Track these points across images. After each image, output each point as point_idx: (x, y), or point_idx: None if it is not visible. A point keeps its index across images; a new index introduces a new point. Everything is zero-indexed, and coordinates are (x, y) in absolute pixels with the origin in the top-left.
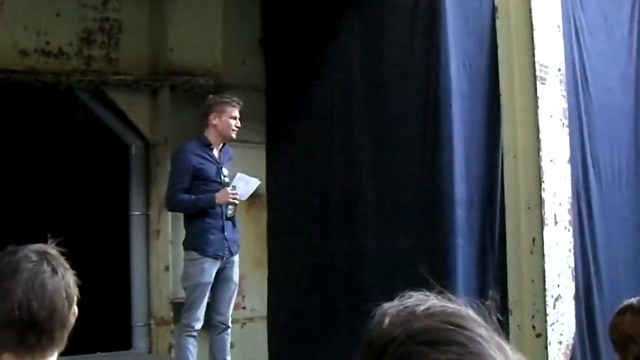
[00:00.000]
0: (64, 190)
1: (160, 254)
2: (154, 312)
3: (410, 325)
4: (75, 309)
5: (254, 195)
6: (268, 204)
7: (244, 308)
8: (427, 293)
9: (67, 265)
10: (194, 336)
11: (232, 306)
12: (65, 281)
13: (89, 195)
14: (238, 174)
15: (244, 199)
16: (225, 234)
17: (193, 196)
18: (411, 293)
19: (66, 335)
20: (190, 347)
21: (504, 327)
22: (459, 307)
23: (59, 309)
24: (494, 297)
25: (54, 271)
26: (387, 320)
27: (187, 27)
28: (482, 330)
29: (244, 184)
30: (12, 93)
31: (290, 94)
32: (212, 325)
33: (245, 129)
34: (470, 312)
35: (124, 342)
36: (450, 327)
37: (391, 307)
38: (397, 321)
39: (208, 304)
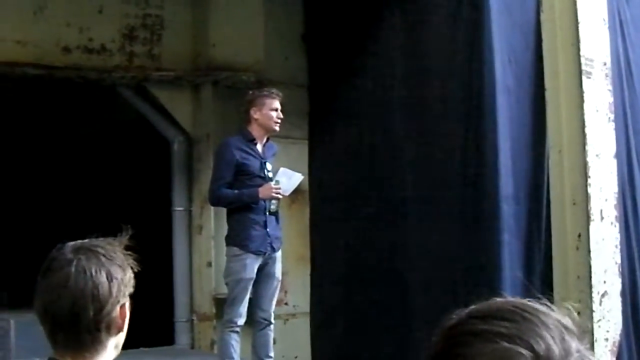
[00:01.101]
0: (106, 187)
1: (202, 249)
2: (196, 307)
3: (479, 307)
4: (112, 310)
5: (297, 191)
6: (310, 200)
7: (286, 304)
8: None
9: (108, 265)
10: (237, 332)
11: (274, 302)
12: (94, 282)
13: (131, 191)
14: (281, 169)
15: (287, 194)
16: (268, 229)
17: (236, 191)
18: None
19: (106, 339)
20: (234, 342)
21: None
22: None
23: (82, 312)
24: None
25: (83, 272)
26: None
27: (229, 22)
28: (549, 319)
29: (287, 179)
30: (55, 90)
31: (332, 90)
32: (255, 322)
33: (288, 125)
34: (549, 306)
35: (167, 337)
36: (513, 307)
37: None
38: (470, 308)
39: (250, 300)
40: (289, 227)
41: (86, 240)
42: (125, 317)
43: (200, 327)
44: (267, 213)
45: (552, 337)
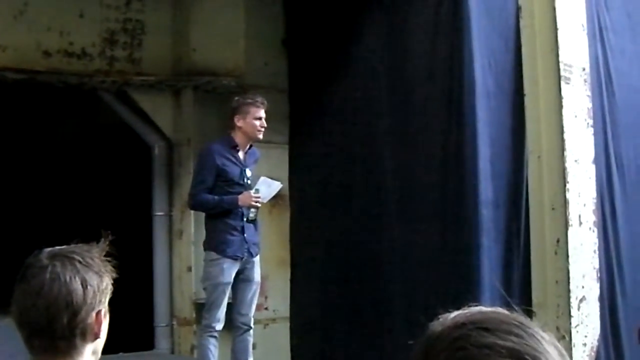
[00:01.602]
0: (87, 191)
1: (182, 254)
2: (176, 312)
3: (473, 316)
4: (87, 317)
5: (277, 196)
6: (291, 204)
7: (266, 309)
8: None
9: (83, 271)
10: (215, 337)
11: (253, 307)
12: (67, 288)
13: (111, 195)
14: (262, 178)
15: (265, 201)
16: (245, 235)
17: (216, 197)
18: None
19: (82, 345)
20: (212, 347)
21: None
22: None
23: (56, 318)
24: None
25: (57, 278)
26: (450, 316)
27: (210, 27)
28: (544, 334)
29: (266, 187)
30: (35, 94)
31: (313, 94)
32: (234, 327)
33: (268, 129)
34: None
35: (147, 342)
36: (513, 321)
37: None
38: (460, 315)
39: (230, 305)
40: (269, 231)
41: (63, 247)
42: (101, 323)
43: (180, 332)
44: (246, 220)
45: (555, 356)
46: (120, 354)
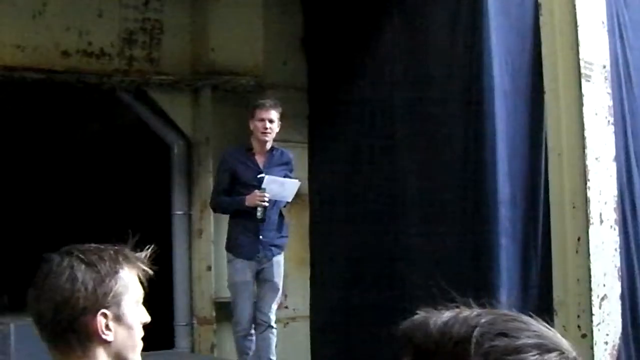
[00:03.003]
0: (106, 191)
1: (202, 253)
2: (196, 311)
3: (474, 322)
4: (79, 317)
5: (297, 195)
6: (310, 203)
7: (286, 307)
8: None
9: (84, 271)
10: (244, 334)
11: (273, 306)
12: (55, 283)
13: (131, 195)
14: (267, 177)
15: (288, 199)
16: (261, 237)
17: (228, 198)
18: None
19: (80, 345)
20: (247, 343)
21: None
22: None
23: (44, 314)
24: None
25: (54, 275)
26: (435, 326)
27: (229, 27)
28: (533, 320)
29: (277, 186)
30: (54, 94)
31: (332, 93)
32: (256, 324)
33: (287, 128)
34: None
35: (167, 341)
36: (511, 317)
37: (423, 317)
38: (452, 322)
39: (253, 303)
40: (289, 230)
41: (77, 245)
42: (101, 326)
43: (200, 331)
44: (257, 220)
45: (559, 338)
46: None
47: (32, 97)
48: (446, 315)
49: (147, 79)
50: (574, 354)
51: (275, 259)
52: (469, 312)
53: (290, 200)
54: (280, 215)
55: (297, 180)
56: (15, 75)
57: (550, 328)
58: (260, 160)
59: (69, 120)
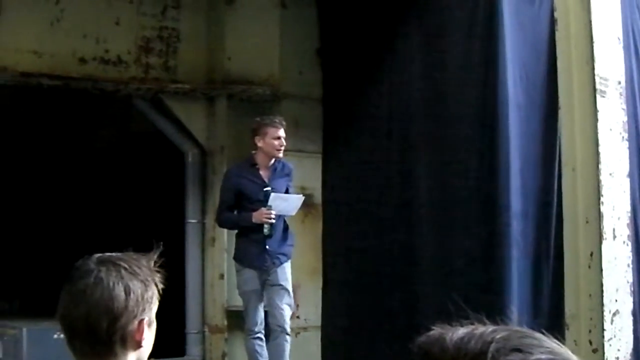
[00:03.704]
0: (120, 198)
1: (215, 262)
2: (208, 319)
3: (487, 338)
4: (128, 324)
5: (310, 205)
6: (323, 213)
7: (298, 317)
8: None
9: (128, 279)
10: (256, 338)
11: (285, 311)
12: (109, 294)
13: (145, 202)
14: (272, 194)
15: (292, 214)
16: (267, 247)
17: (235, 215)
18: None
19: (122, 352)
20: (257, 347)
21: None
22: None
23: (96, 322)
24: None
25: (100, 283)
26: (452, 342)
27: (245, 36)
28: (543, 337)
29: (282, 202)
30: (70, 100)
31: (347, 104)
32: (270, 329)
33: (302, 138)
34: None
35: (178, 349)
36: (524, 334)
37: (439, 333)
38: (467, 338)
39: (265, 311)
40: (301, 240)
41: (112, 253)
42: (143, 332)
43: (211, 339)
44: (264, 235)
45: (568, 354)
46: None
47: (48, 104)
48: (462, 331)
49: (163, 87)
50: None
51: (283, 265)
52: (485, 329)
53: (293, 214)
54: (285, 225)
55: (301, 196)
56: (32, 81)
57: (562, 345)
58: (264, 174)
59: (84, 127)
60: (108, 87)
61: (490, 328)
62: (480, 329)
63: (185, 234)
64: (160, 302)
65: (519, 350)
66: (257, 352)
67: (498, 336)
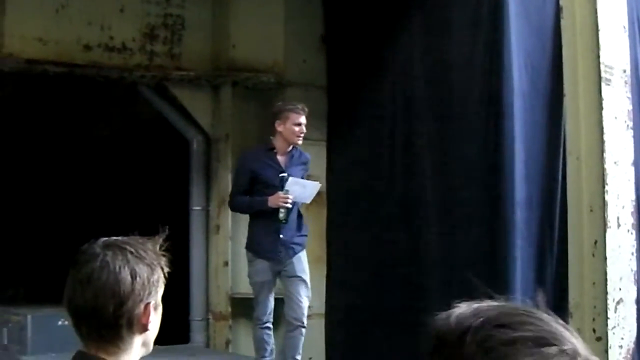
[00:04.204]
0: (125, 185)
1: (219, 249)
2: (212, 306)
3: (482, 314)
4: (134, 308)
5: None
6: (328, 202)
7: None
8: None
9: (134, 262)
10: (265, 328)
11: (303, 303)
12: (115, 277)
13: (150, 190)
14: (290, 178)
15: (307, 201)
16: (282, 236)
17: (249, 198)
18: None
19: (128, 336)
20: (265, 337)
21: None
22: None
23: (102, 306)
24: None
25: (106, 267)
26: (454, 317)
27: (250, 23)
28: (547, 315)
29: (299, 187)
30: (75, 87)
31: (352, 92)
32: (286, 322)
33: (307, 126)
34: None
35: (182, 336)
36: (521, 311)
37: (454, 309)
38: (466, 314)
39: (282, 302)
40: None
41: (118, 237)
42: (149, 316)
43: (215, 326)
44: (279, 221)
45: (567, 333)
46: (156, 346)
47: (53, 91)
48: (466, 307)
49: (167, 74)
50: (584, 353)
51: (299, 255)
52: (486, 305)
53: (308, 202)
54: (299, 214)
55: (318, 183)
56: (37, 68)
57: (567, 327)
58: (281, 160)
59: (89, 115)
60: (113, 74)
61: (492, 305)
62: (482, 305)
63: (190, 221)
64: (164, 289)
65: (505, 326)
66: (265, 342)
67: (492, 312)
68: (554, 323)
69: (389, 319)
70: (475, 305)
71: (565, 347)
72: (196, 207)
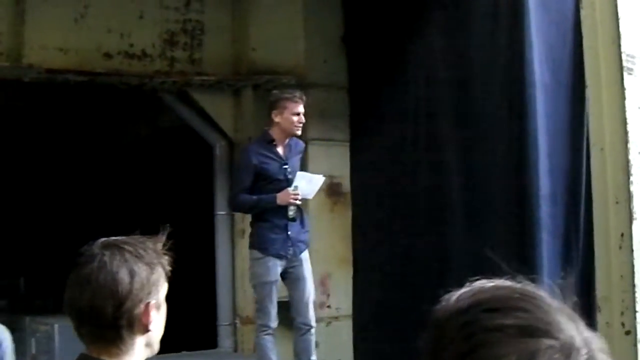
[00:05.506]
0: (149, 191)
1: (245, 253)
2: (239, 311)
3: (476, 297)
4: (134, 308)
5: (339, 194)
6: (352, 202)
7: (329, 307)
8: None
9: (132, 262)
10: (270, 334)
11: (311, 305)
12: (113, 277)
13: (174, 195)
14: (299, 173)
15: (310, 197)
16: (289, 233)
17: (255, 196)
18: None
19: (129, 337)
20: (269, 344)
21: (592, 323)
22: (529, 284)
23: (101, 306)
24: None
25: (104, 267)
26: (453, 298)
27: (269, 26)
28: (552, 301)
29: (306, 182)
30: (97, 95)
31: (374, 92)
32: (295, 327)
33: (329, 127)
34: (540, 289)
35: (210, 341)
36: (518, 295)
37: (459, 289)
38: (464, 296)
39: (288, 305)
40: (331, 229)
41: (117, 237)
42: (149, 315)
43: (243, 331)
44: (287, 219)
45: (567, 324)
46: (184, 352)
47: (75, 100)
48: (470, 286)
49: (188, 79)
50: (586, 347)
51: (302, 256)
52: (488, 286)
53: (311, 197)
54: (299, 208)
55: (322, 176)
56: (58, 77)
57: (574, 317)
58: (281, 150)
59: (111, 122)
60: (133, 82)
61: (490, 285)
62: (483, 287)
63: (215, 226)
64: (191, 294)
65: (495, 310)
66: (270, 349)
67: (487, 295)
68: (555, 311)
69: (418, 318)
70: (479, 284)
71: (558, 340)
72: (221, 212)
